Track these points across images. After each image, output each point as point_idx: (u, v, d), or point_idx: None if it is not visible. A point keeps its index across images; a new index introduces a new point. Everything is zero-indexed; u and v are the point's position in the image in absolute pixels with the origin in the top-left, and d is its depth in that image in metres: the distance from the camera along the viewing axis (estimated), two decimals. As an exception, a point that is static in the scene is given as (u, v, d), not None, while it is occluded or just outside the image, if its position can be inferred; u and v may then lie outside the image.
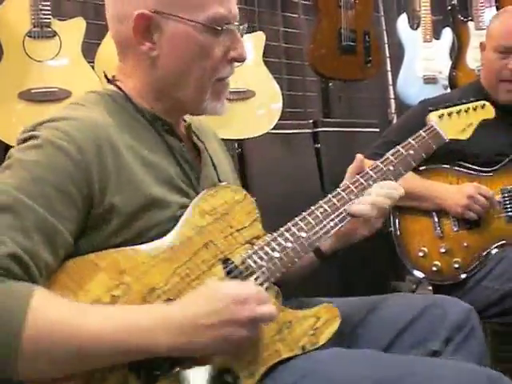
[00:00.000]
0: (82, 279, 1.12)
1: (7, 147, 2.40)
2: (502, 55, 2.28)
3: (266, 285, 1.25)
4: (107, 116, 1.25)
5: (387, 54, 3.92)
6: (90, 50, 2.58)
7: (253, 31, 2.97)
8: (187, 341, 1.08)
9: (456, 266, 2.18)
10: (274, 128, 2.84)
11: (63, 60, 2.41)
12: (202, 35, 1.25)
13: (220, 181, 1.42)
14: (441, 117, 1.68)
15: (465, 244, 2.19)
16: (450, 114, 1.70)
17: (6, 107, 2.33)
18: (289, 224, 1.33)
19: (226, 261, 1.25)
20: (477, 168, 2.25)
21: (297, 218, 1.35)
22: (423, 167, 2.25)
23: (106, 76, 1.38)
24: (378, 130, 3.42)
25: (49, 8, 2.38)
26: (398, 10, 4.12)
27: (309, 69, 3.40)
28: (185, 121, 1.43)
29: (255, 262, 1.26)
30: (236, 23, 1.31)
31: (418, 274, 2.24)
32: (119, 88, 1.32)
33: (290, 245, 1.30)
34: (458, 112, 1.71)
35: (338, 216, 1.38)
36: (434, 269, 2.20)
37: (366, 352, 1.29)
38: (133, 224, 1.19)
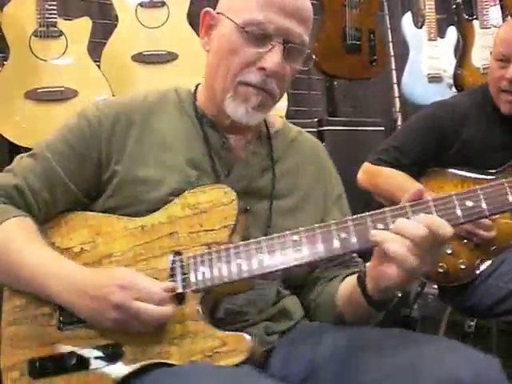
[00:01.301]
0: (71, 228, 1.36)
1: (12, 146, 2.42)
2: (502, 63, 2.24)
3: (193, 287, 1.23)
4: (150, 100, 1.42)
5: (392, 53, 3.91)
6: (95, 49, 2.60)
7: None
8: (69, 298, 1.24)
9: (462, 267, 2.18)
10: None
11: (69, 59, 2.44)
12: (234, 34, 1.31)
13: (273, 188, 1.41)
14: None
15: (471, 246, 2.17)
16: None
17: (12, 106, 2.35)
18: (253, 240, 1.23)
19: (177, 254, 1.27)
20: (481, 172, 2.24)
21: (264, 237, 1.24)
22: (430, 169, 2.25)
23: None
24: (382, 128, 3.41)
25: (55, 8, 2.41)
26: (403, 8, 4.12)
27: (313, 67, 3.40)
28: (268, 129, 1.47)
29: (195, 263, 1.25)
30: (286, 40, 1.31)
31: (427, 279, 2.24)
32: (196, 88, 1.46)
33: (239, 261, 1.22)
34: None
35: (311, 249, 1.20)
36: (441, 271, 2.20)
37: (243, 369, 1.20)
38: (123, 193, 1.34)
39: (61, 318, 1.29)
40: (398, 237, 1.10)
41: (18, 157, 1.41)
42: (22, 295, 1.33)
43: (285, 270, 1.22)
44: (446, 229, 1.09)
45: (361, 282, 1.26)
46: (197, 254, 1.26)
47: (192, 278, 1.24)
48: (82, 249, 1.33)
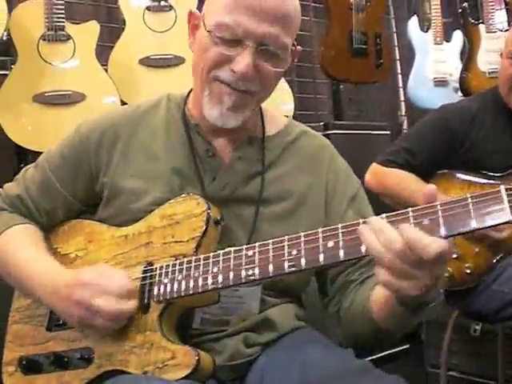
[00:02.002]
0: (71, 234, 1.44)
1: (19, 149, 2.43)
2: None
3: (155, 299, 1.23)
4: (139, 111, 1.45)
5: (397, 57, 3.91)
6: (103, 53, 2.61)
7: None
8: (50, 299, 1.31)
9: (468, 271, 2.18)
10: (285, 130, 2.86)
11: (77, 63, 2.45)
12: (204, 37, 1.31)
13: (261, 194, 1.38)
14: None
15: (476, 250, 2.17)
16: None
17: (20, 110, 2.36)
18: (220, 251, 1.22)
19: (149, 264, 1.29)
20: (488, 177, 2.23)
21: (222, 251, 1.22)
22: (439, 171, 2.26)
23: None
24: (388, 132, 3.41)
25: (63, 12, 2.42)
26: (409, 12, 4.12)
27: (319, 71, 3.42)
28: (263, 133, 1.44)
29: (160, 274, 1.25)
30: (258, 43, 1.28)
31: None
32: (189, 93, 1.47)
33: (196, 274, 1.21)
34: None
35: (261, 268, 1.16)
36: (446, 275, 2.20)
37: None
38: (111, 204, 1.39)
39: (49, 320, 1.38)
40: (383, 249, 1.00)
41: (26, 167, 1.52)
42: (27, 296, 1.43)
43: (237, 285, 1.21)
44: (430, 246, 0.97)
45: None
46: (164, 265, 1.26)
47: (155, 290, 1.25)
48: (76, 255, 1.41)
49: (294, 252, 1.12)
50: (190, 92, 1.46)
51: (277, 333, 1.37)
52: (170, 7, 2.66)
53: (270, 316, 1.37)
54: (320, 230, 1.11)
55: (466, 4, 3.74)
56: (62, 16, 2.41)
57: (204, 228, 1.26)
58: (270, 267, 1.14)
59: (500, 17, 3.74)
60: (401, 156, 2.30)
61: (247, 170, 1.40)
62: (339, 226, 1.08)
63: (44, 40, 2.39)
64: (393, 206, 2.20)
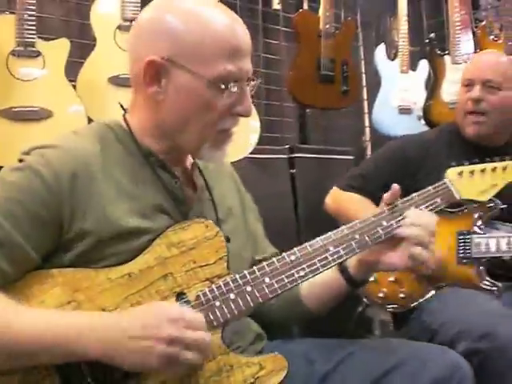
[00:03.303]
0: (37, 289, 1.22)
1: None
2: (468, 88, 2.38)
3: (214, 323, 1.26)
4: (97, 146, 1.33)
5: (364, 83, 3.98)
6: (72, 68, 2.61)
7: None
8: (111, 348, 1.15)
9: (402, 295, 2.21)
10: (250, 152, 2.90)
11: (46, 80, 2.45)
12: (206, 90, 1.28)
13: (217, 217, 1.43)
14: (460, 174, 1.60)
15: (414, 276, 2.20)
16: (472, 172, 1.60)
17: (-14, 124, 2.35)
18: (254, 267, 1.32)
19: (180, 294, 1.27)
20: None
21: (265, 263, 1.34)
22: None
23: (121, 106, 1.43)
24: (352, 157, 3.47)
25: (34, 28, 2.42)
26: (377, 39, 4.18)
27: (287, 95, 3.46)
28: (193, 158, 1.47)
29: (208, 300, 1.27)
30: (249, 79, 1.34)
31: (365, 298, 2.29)
32: (126, 121, 1.39)
33: (249, 288, 1.29)
34: (483, 170, 1.61)
35: (310, 266, 1.35)
36: (380, 295, 2.25)
37: None
38: (100, 249, 1.26)
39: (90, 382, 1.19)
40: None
41: None
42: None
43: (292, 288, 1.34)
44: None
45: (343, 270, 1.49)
46: (205, 290, 1.27)
47: (210, 315, 1.26)
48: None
49: (332, 249, 1.38)
50: (125, 118, 1.40)
51: (265, 341, 1.54)
52: (142, 28, 2.68)
53: (257, 328, 1.53)
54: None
55: (432, 34, 3.82)
56: (33, 32, 2.42)
57: (226, 247, 1.33)
58: (318, 264, 1.35)
59: (466, 49, 3.82)
60: (358, 181, 2.41)
61: (205, 196, 1.47)
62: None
63: (14, 55, 2.40)
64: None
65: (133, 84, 1.38)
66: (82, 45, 2.84)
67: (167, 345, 1.14)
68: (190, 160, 1.48)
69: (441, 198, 1.54)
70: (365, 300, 2.31)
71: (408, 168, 2.36)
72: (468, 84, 2.38)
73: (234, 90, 1.29)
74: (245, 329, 1.48)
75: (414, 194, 1.53)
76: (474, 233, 2.19)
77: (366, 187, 2.39)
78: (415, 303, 2.20)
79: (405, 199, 1.50)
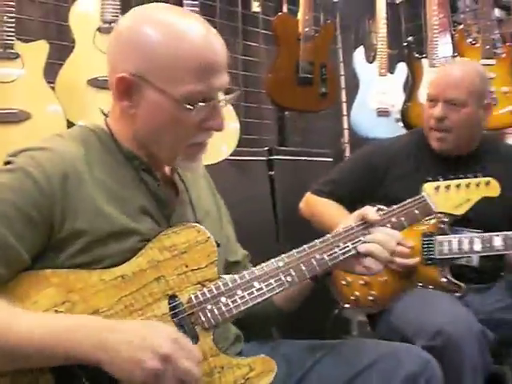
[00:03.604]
0: (31, 289, 1.22)
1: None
2: (431, 103, 2.36)
3: (206, 325, 1.30)
4: (83, 150, 1.34)
5: (343, 86, 4.00)
6: (51, 70, 2.61)
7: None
8: (107, 352, 1.14)
9: (371, 298, 2.26)
10: (229, 154, 2.91)
11: (24, 82, 2.45)
12: (174, 108, 1.29)
13: (196, 220, 1.46)
14: (437, 188, 1.65)
15: (382, 280, 2.25)
16: (447, 187, 1.66)
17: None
18: (244, 272, 1.37)
19: (172, 297, 1.30)
20: None
21: (254, 268, 1.39)
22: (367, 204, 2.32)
23: (102, 112, 1.45)
24: (330, 159, 3.50)
25: (13, 30, 2.42)
26: (356, 42, 4.22)
27: (266, 97, 3.48)
28: None
29: (200, 302, 1.31)
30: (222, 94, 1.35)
31: (340, 301, 2.35)
32: (108, 125, 1.41)
33: (239, 292, 1.34)
34: (458, 186, 1.68)
35: (297, 271, 1.41)
36: (353, 298, 2.29)
37: None
38: (94, 249, 1.27)
39: None
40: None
41: None
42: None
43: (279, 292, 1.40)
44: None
45: None
46: (197, 293, 1.31)
47: (201, 318, 1.30)
48: (56, 311, 1.22)
49: (319, 257, 1.44)
50: (106, 123, 1.41)
51: (243, 342, 1.58)
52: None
53: (236, 330, 1.57)
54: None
55: (410, 38, 3.86)
56: (12, 34, 2.42)
57: (217, 252, 1.37)
58: (305, 269, 1.41)
59: (444, 52, 3.86)
60: (329, 186, 2.46)
61: (185, 198, 1.49)
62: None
63: (-8, 57, 2.39)
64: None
65: (112, 93, 1.39)
66: (61, 47, 2.83)
67: (161, 362, 1.13)
68: None
69: (419, 210, 1.60)
70: (340, 302, 2.35)
71: (374, 175, 2.40)
72: (432, 100, 2.37)
73: (203, 108, 1.30)
74: (225, 330, 1.51)
75: (394, 207, 1.58)
76: (439, 234, 2.24)
77: (335, 193, 2.44)
78: (387, 305, 2.24)
79: (386, 211, 1.57)
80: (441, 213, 1.67)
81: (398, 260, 2.14)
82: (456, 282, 2.22)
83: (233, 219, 1.75)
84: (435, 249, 2.23)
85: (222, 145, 2.88)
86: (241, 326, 1.59)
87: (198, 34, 1.31)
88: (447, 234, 2.24)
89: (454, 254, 2.22)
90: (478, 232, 2.28)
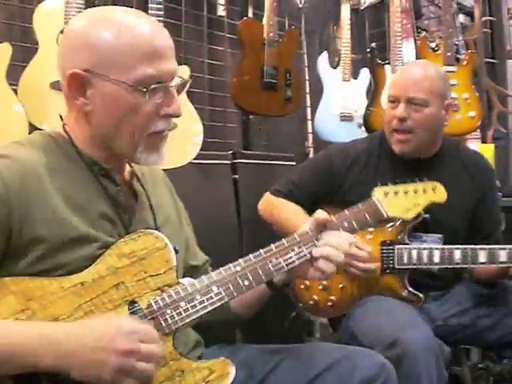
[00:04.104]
0: None
1: None
2: (393, 104, 2.35)
3: (166, 330, 1.32)
4: (43, 157, 1.35)
5: (307, 90, 4.04)
6: (14, 72, 2.59)
7: (178, 62, 3.03)
8: (65, 359, 1.16)
9: (330, 303, 2.30)
10: (193, 158, 2.92)
11: (-14, 85, 2.42)
12: (129, 95, 1.33)
13: (157, 225, 1.48)
14: (386, 194, 1.69)
15: (341, 285, 2.28)
16: (396, 193, 1.70)
17: None
18: (203, 277, 1.40)
19: (132, 303, 1.32)
20: None
21: (212, 273, 1.41)
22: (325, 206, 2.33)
23: (61, 117, 1.46)
24: (294, 163, 3.52)
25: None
26: (321, 47, 4.26)
27: (231, 101, 3.48)
28: (131, 166, 1.52)
29: (160, 308, 1.33)
30: (175, 79, 1.39)
31: (298, 304, 2.38)
32: (66, 131, 1.42)
33: (198, 297, 1.36)
34: (406, 192, 1.72)
35: (254, 276, 1.43)
36: (311, 302, 2.32)
37: None
38: (53, 256, 1.28)
39: None
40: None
41: None
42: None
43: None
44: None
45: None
46: (156, 298, 1.33)
47: (162, 322, 1.32)
48: (16, 319, 1.23)
49: (275, 261, 1.46)
50: (64, 128, 1.42)
51: (203, 347, 1.62)
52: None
53: (197, 335, 1.60)
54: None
55: (374, 44, 3.91)
56: (-26, 36, 2.41)
57: (175, 258, 1.38)
58: (261, 273, 1.44)
59: (407, 58, 3.91)
60: (288, 187, 2.46)
61: (145, 204, 1.51)
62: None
63: (-46, 60, 2.37)
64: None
65: (64, 97, 1.41)
66: (25, 48, 2.81)
67: (122, 357, 1.16)
68: (128, 169, 1.52)
69: (369, 214, 1.63)
70: (299, 306, 2.37)
71: (333, 179, 2.41)
72: (393, 101, 2.36)
73: (157, 91, 1.34)
74: (185, 335, 1.53)
75: (346, 211, 1.61)
76: (398, 243, 2.26)
77: (294, 194, 2.45)
78: (345, 311, 2.28)
79: (337, 215, 1.59)
80: (391, 217, 1.69)
81: (359, 264, 2.15)
82: (415, 292, 2.24)
83: (196, 222, 1.76)
84: (394, 258, 2.24)
85: (185, 148, 2.87)
86: (200, 331, 1.61)
87: (144, 25, 1.36)
88: (407, 244, 2.26)
89: (413, 264, 2.23)
90: (438, 235, 2.31)
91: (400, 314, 2.10)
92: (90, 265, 1.31)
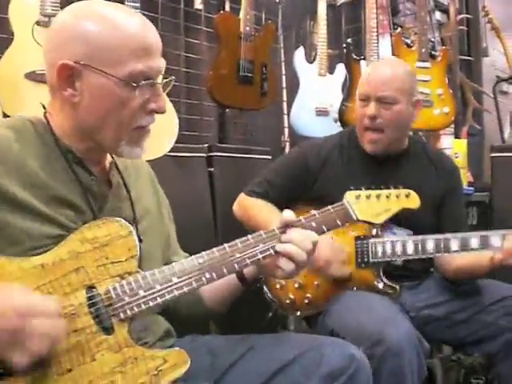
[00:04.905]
0: None
1: None
2: (364, 103, 2.38)
3: (121, 316, 1.33)
4: (11, 134, 1.37)
5: (284, 84, 4.05)
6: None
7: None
8: None
9: (306, 301, 2.31)
10: (169, 150, 2.91)
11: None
12: (119, 89, 1.35)
13: (135, 216, 1.51)
14: (358, 197, 1.70)
15: (316, 283, 2.30)
16: (368, 197, 1.71)
17: None
18: (164, 267, 1.40)
19: (90, 288, 1.33)
20: None
21: (174, 264, 1.42)
22: (299, 205, 2.34)
23: (43, 106, 1.47)
24: (270, 157, 3.53)
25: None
26: (297, 42, 4.28)
27: (207, 94, 3.49)
28: (113, 158, 1.53)
29: (118, 294, 1.34)
30: (160, 76, 1.42)
31: (275, 303, 2.38)
32: (46, 118, 1.44)
33: (158, 287, 1.37)
34: (378, 196, 1.72)
35: (216, 271, 1.43)
36: (288, 301, 2.33)
37: None
38: (10, 227, 1.30)
39: None
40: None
41: None
42: None
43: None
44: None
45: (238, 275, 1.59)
46: (115, 285, 1.34)
47: (118, 309, 1.33)
48: None
49: (238, 256, 1.46)
50: (45, 115, 1.44)
51: (174, 338, 1.63)
52: (60, 24, 2.66)
53: (167, 326, 1.62)
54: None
55: (350, 40, 3.93)
56: None
57: (139, 246, 1.39)
58: (223, 268, 1.44)
59: (383, 54, 3.93)
60: (263, 187, 2.45)
61: (122, 195, 1.52)
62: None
63: None
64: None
65: (49, 88, 1.43)
66: (0, 39, 2.80)
67: (18, 319, 1.14)
68: (109, 159, 1.54)
69: (339, 217, 1.62)
70: (275, 305, 2.38)
71: (308, 175, 2.43)
72: (364, 99, 2.39)
73: (146, 87, 1.37)
74: (153, 325, 1.54)
75: (315, 212, 1.61)
76: (372, 237, 2.28)
77: (269, 193, 2.45)
78: (321, 308, 2.29)
79: (306, 216, 1.59)
80: (360, 220, 1.69)
81: (332, 272, 2.21)
82: (391, 284, 2.27)
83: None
84: (369, 252, 2.27)
85: (161, 140, 2.87)
86: (173, 323, 1.63)
87: (134, 21, 1.39)
88: (380, 237, 2.28)
89: (387, 257, 2.26)
90: (407, 231, 2.34)
91: (380, 309, 2.10)
92: (51, 245, 1.32)
